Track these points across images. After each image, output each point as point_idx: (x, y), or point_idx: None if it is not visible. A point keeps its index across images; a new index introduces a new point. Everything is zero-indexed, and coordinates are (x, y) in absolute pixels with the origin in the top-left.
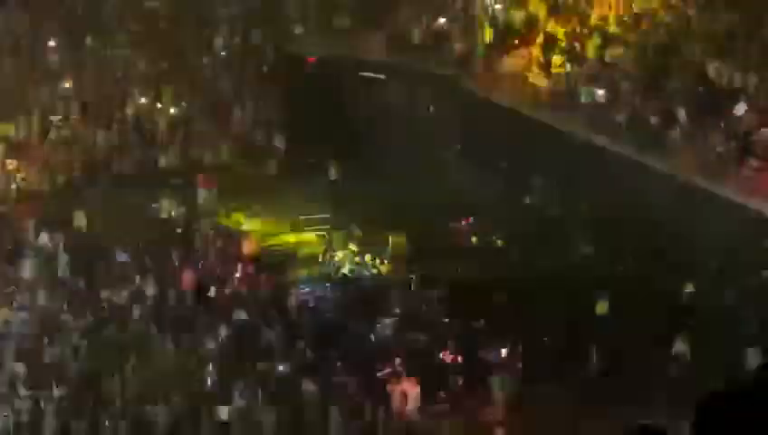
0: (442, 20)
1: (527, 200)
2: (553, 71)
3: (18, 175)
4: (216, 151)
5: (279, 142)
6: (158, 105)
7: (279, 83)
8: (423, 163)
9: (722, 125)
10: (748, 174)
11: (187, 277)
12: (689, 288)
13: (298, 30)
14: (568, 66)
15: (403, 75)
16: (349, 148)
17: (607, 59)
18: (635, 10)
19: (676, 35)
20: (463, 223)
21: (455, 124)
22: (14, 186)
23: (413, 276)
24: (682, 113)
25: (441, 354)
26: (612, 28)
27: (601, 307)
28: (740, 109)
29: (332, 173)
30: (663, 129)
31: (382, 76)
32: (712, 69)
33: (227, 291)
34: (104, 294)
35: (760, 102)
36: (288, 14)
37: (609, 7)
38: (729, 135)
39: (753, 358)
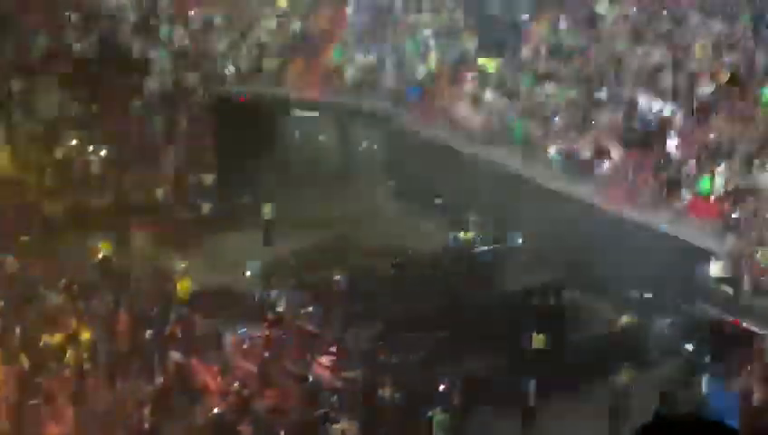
0: (373, 56)
1: (462, 234)
2: (486, 105)
3: None
4: (150, 193)
5: (212, 183)
6: (90, 148)
7: (211, 124)
8: (357, 200)
9: (653, 157)
10: (679, 205)
11: (123, 319)
12: (624, 319)
13: (229, 70)
14: (501, 100)
15: (336, 112)
16: (282, 187)
17: (539, 93)
18: (566, 45)
19: (606, 69)
20: (397, 258)
21: (388, 160)
22: None
23: (350, 313)
24: (613, 146)
25: (380, 391)
26: (544, 63)
27: (538, 340)
28: (670, 141)
29: (266, 212)
30: (595, 161)
31: (315, 114)
32: (644, 103)
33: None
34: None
35: (689, 134)
36: (219, 54)
37: (541, 43)
38: (659, 167)
39: (703, 386)
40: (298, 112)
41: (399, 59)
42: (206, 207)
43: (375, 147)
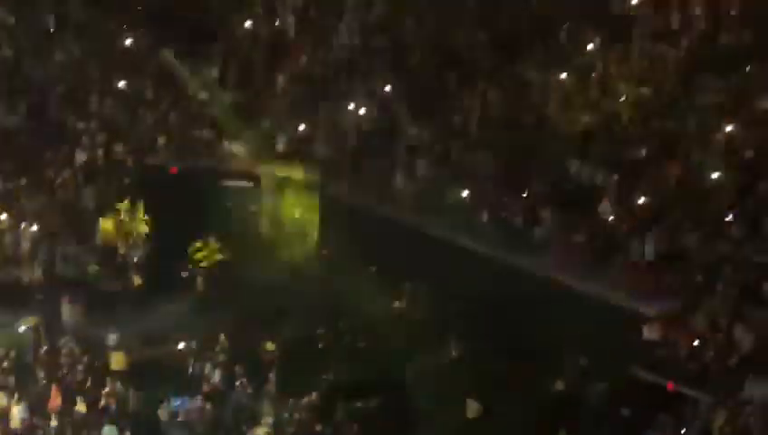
0: (304, 126)
1: (396, 303)
2: (419, 172)
3: None
4: (81, 266)
5: (145, 255)
6: (21, 223)
7: (142, 196)
8: (292, 268)
9: (586, 222)
10: (613, 269)
11: (55, 394)
12: (560, 386)
13: (160, 141)
14: (433, 168)
15: (269, 182)
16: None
17: (471, 159)
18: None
19: (537, 135)
20: (335, 325)
21: (322, 229)
22: None
23: (285, 383)
24: (547, 212)
25: None
26: (473, 131)
27: (473, 409)
28: (604, 207)
29: (200, 284)
30: (529, 227)
31: (248, 184)
32: (574, 168)
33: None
34: None
35: (623, 200)
36: (150, 125)
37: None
38: (594, 232)
39: None
40: (231, 183)
41: (332, 128)
42: (138, 280)
43: (310, 215)
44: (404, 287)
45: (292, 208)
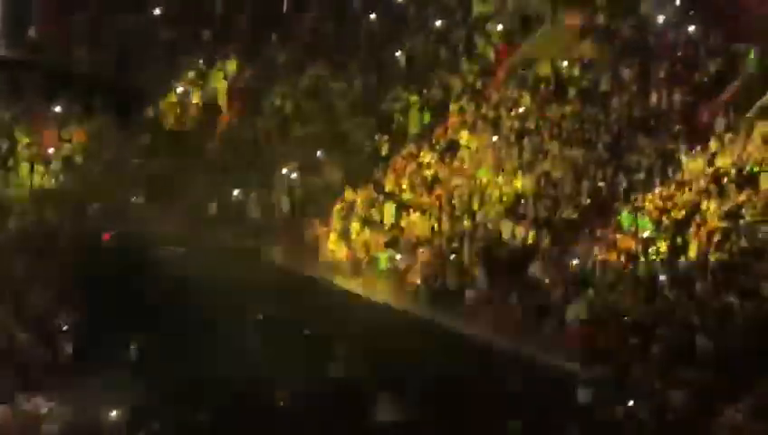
0: (238, 191)
1: (332, 371)
2: (352, 238)
3: None
4: (10, 336)
5: (76, 324)
6: None
7: (74, 262)
8: (226, 336)
9: (519, 284)
10: (547, 332)
11: None
12: None
13: (93, 206)
14: (366, 233)
15: (202, 248)
16: (148, 326)
17: (403, 225)
18: (429, 176)
19: (469, 197)
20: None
21: (256, 295)
22: None
23: None
24: (480, 273)
25: None
26: (407, 194)
27: None
28: (534, 268)
29: (132, 354)
30: (461, 290)
31: (181, 250)
32: (506, 230)
33: None
34: None
35: (554, 260)
36: (82, 192)
37: (404, 174)
38: (526, 293)
39: None
40: (164, 250)
41: (265, 192)
42: (69, 349)
43: (244, 281)
44: (337, 352)
45: (228, 274)
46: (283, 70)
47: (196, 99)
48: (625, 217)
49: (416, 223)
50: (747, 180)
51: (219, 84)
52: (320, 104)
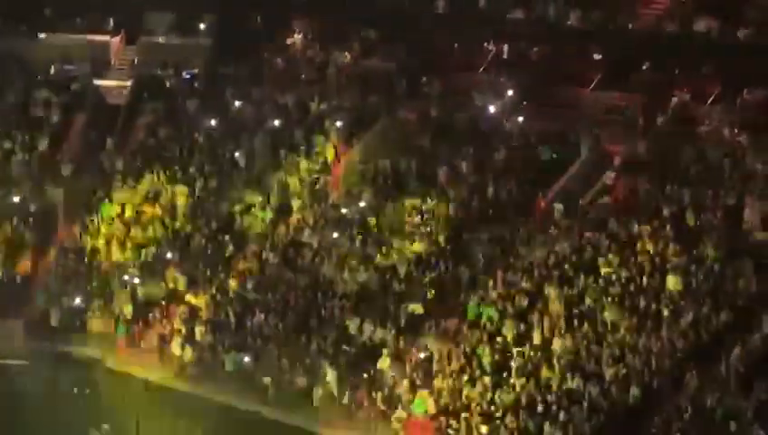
0: (78, 299)
1: None
2: (198, 340)
3: None
4: None
5: None
6: None
7: None
8: None
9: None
10: (395, 425)
11: None
12: None
13: None
14: (210, 336)
15: (44, 359)
16: None
17: (249, 324)
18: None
19: (313, 296)
20: None
21: (100, 403)
22: None
23: None
24: (329, 371)
25: None
26: (252, 294)
27: None
28: (382, 362)
29: None
30: (310, 388)
31: (23, 362)
32: (353, 326)
33: None
34: None
35: (400, 354)
36: None
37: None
38: (374, 387)
39: None
40: (5, 361)
41: (106, 301)
42: None
43: (86, 391)
44: None
45: (71, 384)
46: (121, 176)
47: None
48: (470, 307)
49: (261, 322)
50: (587, 267)
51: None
52: (159, 208)
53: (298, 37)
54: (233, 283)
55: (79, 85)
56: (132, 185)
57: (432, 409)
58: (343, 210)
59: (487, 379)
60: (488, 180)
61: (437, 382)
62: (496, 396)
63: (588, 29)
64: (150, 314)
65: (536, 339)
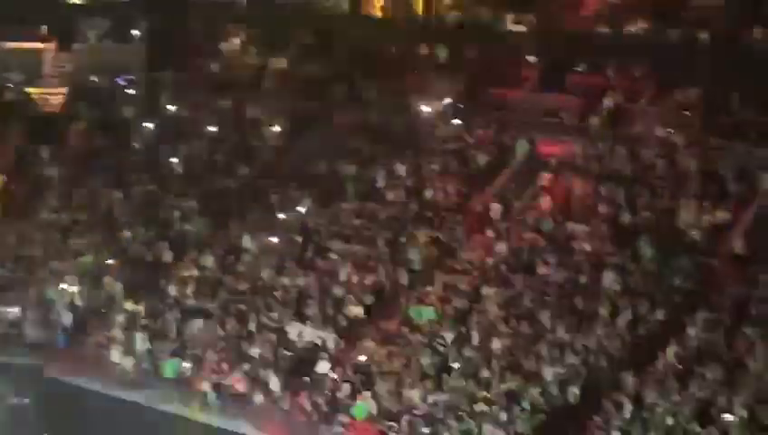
0: (17, 308)
1: None
2: (137, 348)
3: None
4: None
5: None
6: None
7: None
8: None
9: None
10: (336, 430)
11: None
12: None
13: None
14: (149, 343)
15: None
16: None
17: (189, 330)
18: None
19: (254, 300)
20: None
21: (43, 413)
22: None
23: None
24: (271, 377)
25: None
26: (192, 301)
27: None
28: (322, 366)
29: None
30: (251, 393)
31: None
32: (293, 331)
33: None
34: None
35: (340, 358)
36: None
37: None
38: (314, 392)
39: None
40: None
41: (44, 309)
42: None
43: (26, 401)
44: None
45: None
46: (57, 183)
47: None
48: (410, 309)
49: (203, 328)
50: (524, 267)
51: None
52: (97, 215)
53: (235, 42)
54: (172, 289)
55: (12, 94)
56: (68, 192)
57: (374, 412)
58: (281, 215)
59: (428, 381)
60: (425, 183)
61: (378, 386)
62: (437, 398)
63: (522, 31)
64: (89, 322)
65: (475, 340)
